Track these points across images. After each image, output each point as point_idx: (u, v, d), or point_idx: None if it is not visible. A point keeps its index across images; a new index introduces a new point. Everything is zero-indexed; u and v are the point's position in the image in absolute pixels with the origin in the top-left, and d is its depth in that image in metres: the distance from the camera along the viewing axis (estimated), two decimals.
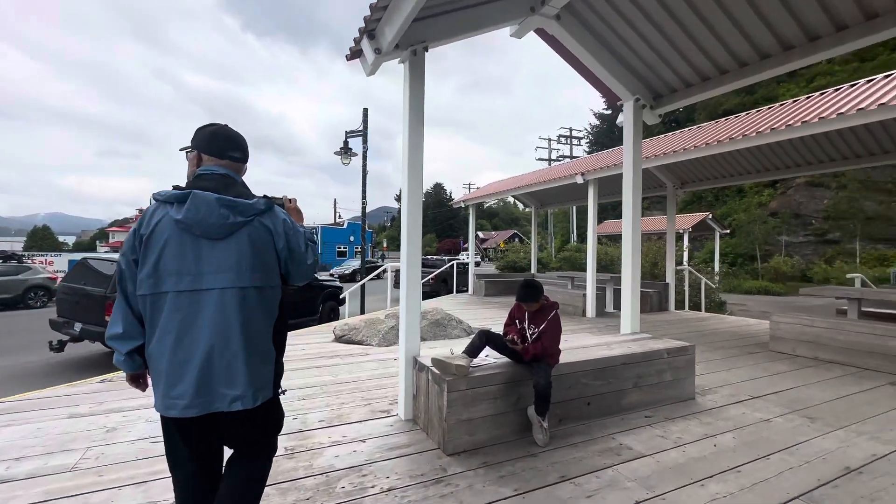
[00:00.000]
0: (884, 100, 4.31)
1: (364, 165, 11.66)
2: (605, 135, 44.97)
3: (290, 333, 6.15)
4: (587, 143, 46.98)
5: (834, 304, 6.47)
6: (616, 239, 19.84)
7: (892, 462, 2.41)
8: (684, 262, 13.55)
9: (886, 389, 3.71)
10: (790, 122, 5.05)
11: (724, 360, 4.66)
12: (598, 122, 49.49)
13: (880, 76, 5.34)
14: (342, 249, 37.86)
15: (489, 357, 2.83)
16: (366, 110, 11.89)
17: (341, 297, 9.26)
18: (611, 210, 30.48)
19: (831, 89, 5.91)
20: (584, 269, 8.03)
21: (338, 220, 51.06)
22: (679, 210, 29.09)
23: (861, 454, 2.50)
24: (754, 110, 7.02)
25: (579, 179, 8.06)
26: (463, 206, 12.66)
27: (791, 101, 6.50)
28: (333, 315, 10.55)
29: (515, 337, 2.65)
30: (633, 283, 3.98)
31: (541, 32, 3.83)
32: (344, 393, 3.50)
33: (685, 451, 2.51)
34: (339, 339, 5.53)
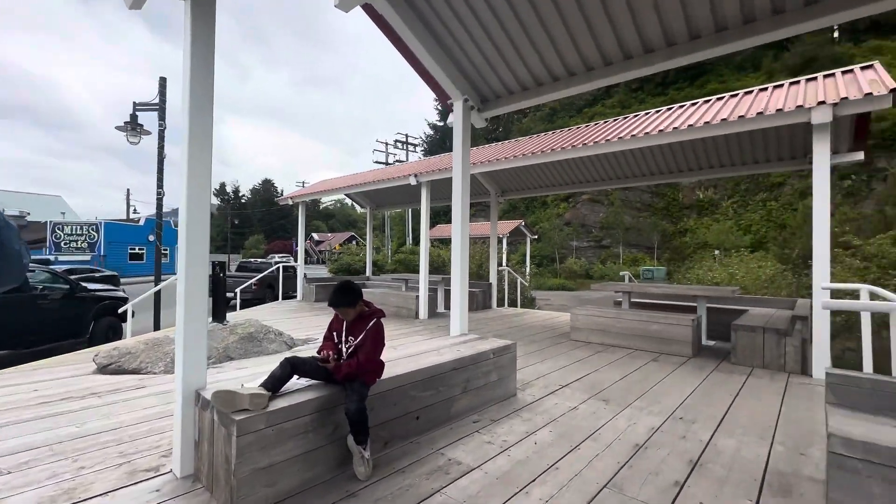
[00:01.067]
0: (635, 132, 5.35)
1: (161, 147, 9.49)
2: (438, 145, 47.78)
3: (27, 366, 4.37)
4: (422, 150, 49.19)
5: (612, 296, 7.92)
6: (448, 242, 21.07)
7: (665, 432, 2.81)
8: (504, 264, 15.10)
9: (651, 366, 4.53)
10: (576, 144, 5.90)
11: (538, 353, 5.09)
12: (431, 133, 52.33)
13: (651, 111, 6.70)
14: (138, 251, 30.81)
15: (301, 381, 2.31)
16: (164, 80, 9.71)
17: (122, 311, 7.22)
18: (443, 215, 32.46)
19: (611, 119, 7.19)
20: (418, 271, 8.06)
21: (132, 216, 41.76)
22: (499, 217, 32.88)
23: (644, 429, 2.86)
24: (559, 130, 8.12)
25: (412, 181, 8.04)
26: (291, 202, 11.49)
27: (585, 125, 7.71)
28: (114, 335, 8.24)
29: (331, 354, 2.20)
30: (462, 284, 3.95)
31: (369, 10, 3.48)
32: (91, 450, 2.47)
33: (510, 456, 2.45)
34: (104, 369, 4.13)
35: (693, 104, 6.23)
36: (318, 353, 2.29)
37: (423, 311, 7.79)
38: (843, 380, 2.07)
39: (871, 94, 3.78)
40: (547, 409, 3.23)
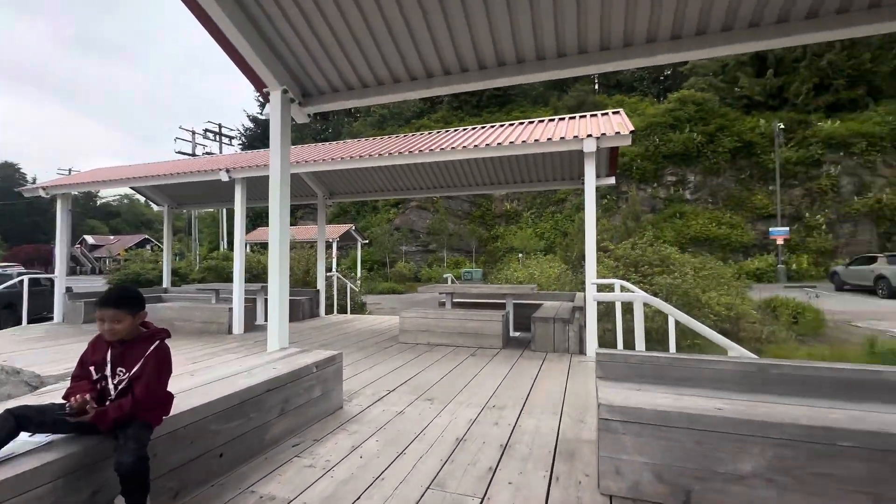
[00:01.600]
0: (455, 145, 5.86)
1: None
2: (259, 139, 43.55)
3: None
4: (240, 144, 43.98)
5: (437, 297, 8.43)
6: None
7: (481, 422, 3.05)
8: (333, 269, 14.57)
9: (469, 360, 4.94)
10: (402, 150, 6.12)
11: (367, 359, 5.00)
12: (252, 126, 47.31)
13: (474, 127, 7.33)
14: None
15: (37, 437, 1.68)
16: None
17: None
18: (266, 217, 29.73)
19: (436, 131, 7.66)
20: (233, 280, 7.06)
21: None
22: (329, 221, 31.77)
23: (463, 422, 3.05)
24: (389, 136, 8.25)
25: (224, 176, 7.02)
26: (45, 194, 8.72)
27: (413, 134, 8.01)
28: None
29: (85, 398, 1.65)
30: (282, 292, 3.58)
31: None
32: None
33: (334, 476, 2.28)
34: None
35: (504, 125, 7.13)
36: (66, 398, 1.70)
37: (237, 325, 6.86)
38: (607, 357, 2.58)
39: (619, 132, 4.93)
40: (374, 417, 3.16)
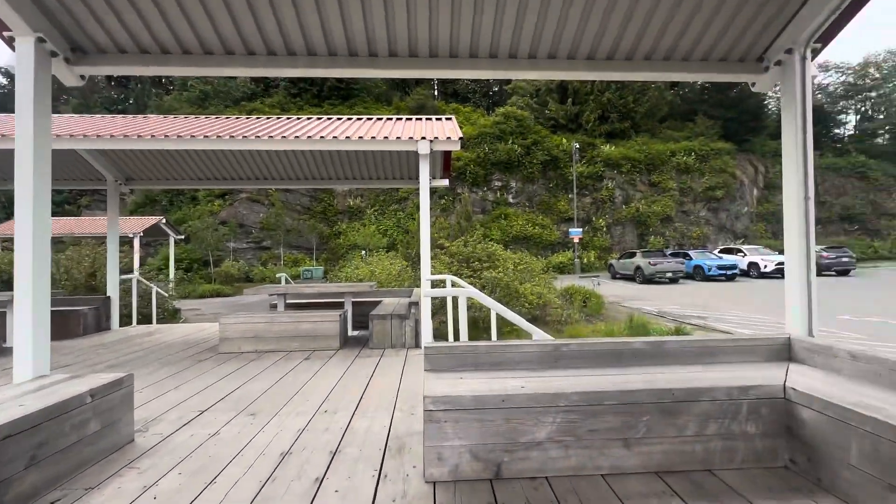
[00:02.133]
0: (291, 133, 5.47)
1: None
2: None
3: None
4: None
5: (268, 300, 7.70)
6: None
7: (311, 430, 2.88)
8: (134, 270, 12.01)
9: (303, 365, 4.64)
10: (222, 134, 5.41)
11: (173, 377, 4.23)
12: (5, 82, 35.89)
13: (305, 117, 6.83)
14: None
15: None
16: None
17: None
18: None
19: (274, 118, 6.96)
20: None
21: None
22: (131, 212, 26.03)
23: (290, 434, 2.83)
24: (212, 116, 7.14)
25: None
26: None
27: (241, 117, 7.10)
28: None
29: None
30: (37, 302, 2.74)
31: None
32: None
33: None
34: None
35: (343, 119, 6.90)
36: None
37: None
38: (434, 350, 2.71)
39: (450, 137, 5.27)
40: (178, 445, 2.68)
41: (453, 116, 6.83)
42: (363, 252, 23.73)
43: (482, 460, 2.20)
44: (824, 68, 43.12)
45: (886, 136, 41.43)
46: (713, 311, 11.52)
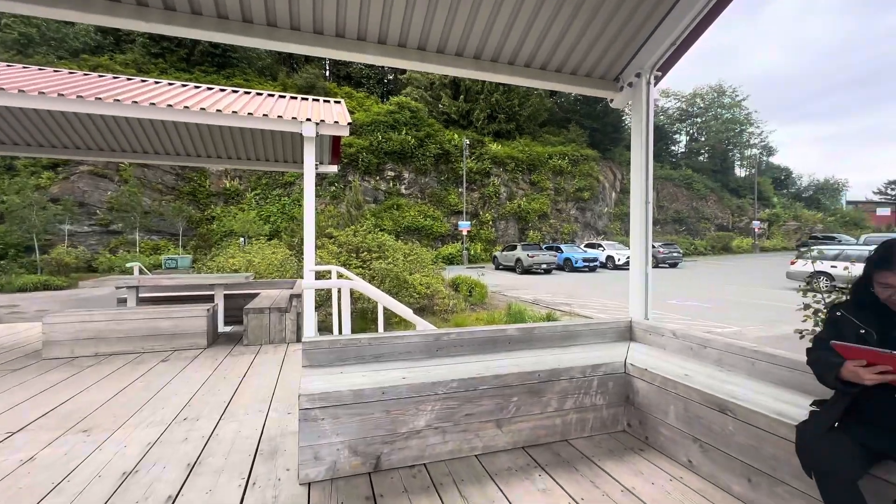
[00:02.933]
0: (147, 98, 4.69)
1: None
2: None
3: None
4: None
5: (116, 294, 6.54)
6: None
7: (164, 443, 2.53)
8: None
9: (159, 367, 4.05)
10: (65, 92, 4.42)
11: None
12: None
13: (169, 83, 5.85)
14: None
15: None
16: None
17: None
18: None
19: (138, 79, 5.84)
20: None
21: None
22: None
23: (137, 450, 2.44)
24: (37, 68, 5.70)
25: None
26: None
27: (80, 73, 5.82)
28: None
29: None
30: None
31: None
32: None
33: None
34: None
35: (215, 89, 6.10)
36: None
37: None
38: (313, 344, 2.57)
39: (337, 122, 5.04)
40: None
41: (343, 100, 6.53)
42: (241, 240, 21.60)
43: (361, 454, 2.17)
44: (666, 94, 51.58)
45: (706, 155, 51.35)
46: (578, 298, 13.06)
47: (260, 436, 2.61)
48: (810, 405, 1.72)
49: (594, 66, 3.48)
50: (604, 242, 27.19)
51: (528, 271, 21.78)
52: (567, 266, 23.34)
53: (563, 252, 24.01)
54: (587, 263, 23.21)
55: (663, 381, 2.43)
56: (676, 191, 42.91)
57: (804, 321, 3.94)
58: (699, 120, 52.41)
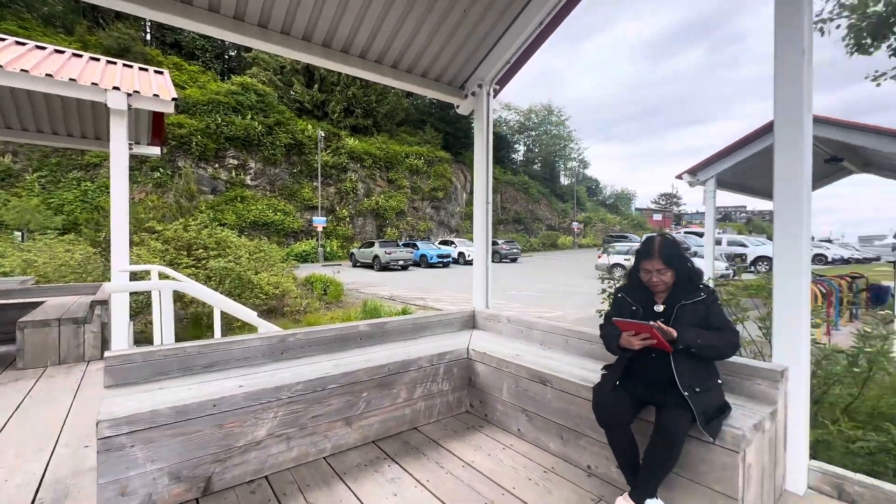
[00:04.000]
0: None
1: None
2: None
3: None
4: None
5: None
6: None
7: None
8: None
9: None
10: None
11: None
12: None
13: None
14: None
15: None
16: None
17: None
18: None
19: None
20: None
21: None
22: None
23: None
24: None
25: None
26: None
27: None
28: None
29: None
30: None
31: None
32: None
33: None
34: None
35: None
36: None
37: None
38: (120, 359, 2.14)
39: (157, 95, 4.27)
40: None
41: (166, 71, 5.54)
42: (15, 233, 16.68)
43: (186, 479, 1.89)
44: (508, 107, 57.76)
45: (539, 164, 59.34)
46: (432, 293, 13.70)
47: (40, 482, 2.06)
48: (601, 369, 2.13)
49: (443, 71, 3.67)
50: (456, 240, 29.07)
51: (385, 268, 21.95)
52: (423, 262, 24.26)
53: (419, 249, 24.86)
54: (441, 259, 24.50)
55: (499, 363, 2.72)
56: (516, 194, 48.40)
57: (602, 303, 4.86)
58: (534, 133, 60.10)
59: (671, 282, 1.85)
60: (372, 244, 23.38)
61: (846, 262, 25.03)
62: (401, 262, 22.29)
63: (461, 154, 43.48)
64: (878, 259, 27.70)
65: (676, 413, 1.65)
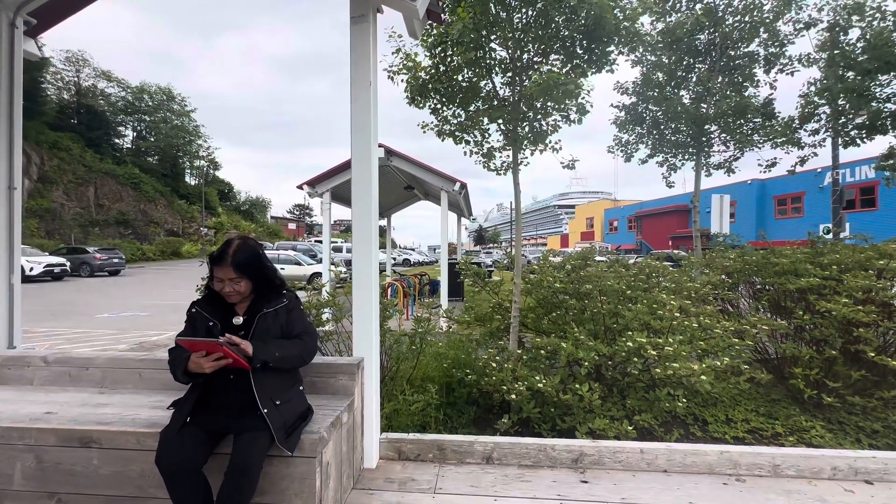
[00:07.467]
0: None
1: None
2: None
3: None
4: None
5: None
6: None
7: None
8: None
9: None
10: None
11: None
12: None
13: None
14: None
15: None
16: None
17: None
18: None
19: None
20: None
21: None
22: None
23: None
24: None
25: None
26: None
27: None
28: None
29: None
30: None
31: None
32: None
33: None
34: None
35: None
36: None
37: None
38: None
39: None
40: None
41: None
42: None
43: None
44: (108, 77, 44.63)
45: (156, 157, 49.19)
46: None
47: None
48: (168, 407, 1.70)
49: None
50: None
51: None
52: None
53: None
54: None
55: (5, 435, 1.75)
56: (121, 189, 38.39)
57: None
58: (147, 118, 49.53)
59: (247, 291, 1.67)
60: None
61: (422, 264, 34.67)
62: None
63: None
64: (437, 261, 40.01)
65: (253, 437, 1.47)
